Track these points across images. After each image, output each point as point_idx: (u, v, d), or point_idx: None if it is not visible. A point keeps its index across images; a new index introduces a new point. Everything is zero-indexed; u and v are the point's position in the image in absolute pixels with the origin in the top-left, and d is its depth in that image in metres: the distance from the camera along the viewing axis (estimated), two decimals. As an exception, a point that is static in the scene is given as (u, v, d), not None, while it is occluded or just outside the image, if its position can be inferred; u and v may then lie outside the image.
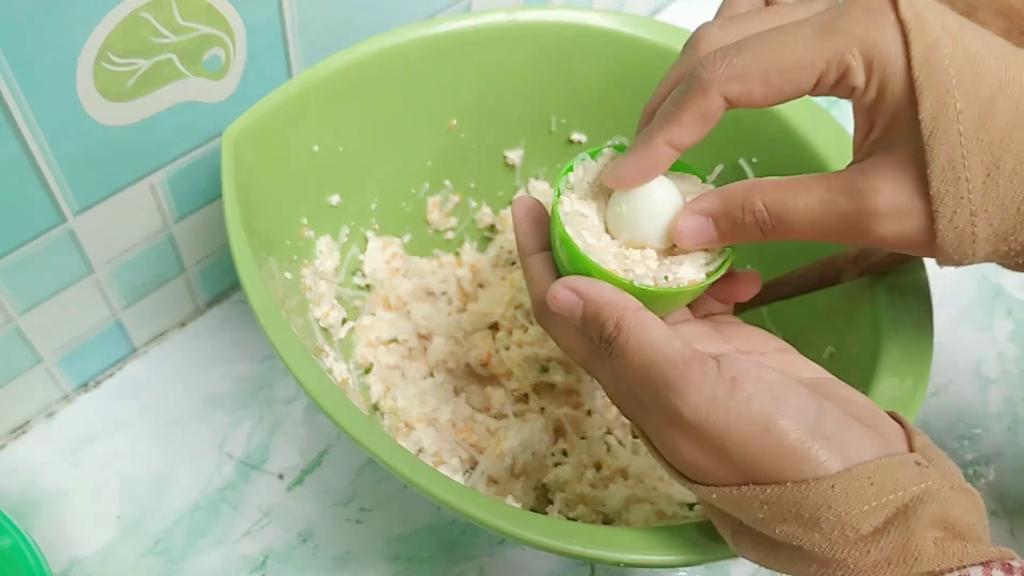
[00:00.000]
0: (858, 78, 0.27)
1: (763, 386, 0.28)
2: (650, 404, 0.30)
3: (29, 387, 0.48)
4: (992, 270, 0.63)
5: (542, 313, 0.35)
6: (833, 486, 0.26)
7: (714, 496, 0.29)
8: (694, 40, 0.31)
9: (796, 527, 0.27)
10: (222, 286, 0.55)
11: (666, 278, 0.32)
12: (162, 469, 0.49)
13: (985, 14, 0.81)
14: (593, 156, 0.35)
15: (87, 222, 0.43)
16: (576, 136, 0.54)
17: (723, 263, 0.33)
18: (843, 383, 0.32)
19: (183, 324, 0.54)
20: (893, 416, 0.30)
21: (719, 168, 0.35)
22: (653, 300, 0.32)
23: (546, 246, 0.35)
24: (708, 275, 0.33)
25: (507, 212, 0.55)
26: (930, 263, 0.41)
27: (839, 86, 0.28)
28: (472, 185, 0.55)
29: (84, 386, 0.51)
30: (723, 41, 0.30)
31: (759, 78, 0.28)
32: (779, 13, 0.30)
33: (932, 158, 0.27)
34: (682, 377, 0.28)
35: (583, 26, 0.49)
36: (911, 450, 0.28)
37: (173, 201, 0.47)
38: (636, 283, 0.32)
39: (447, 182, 0.54)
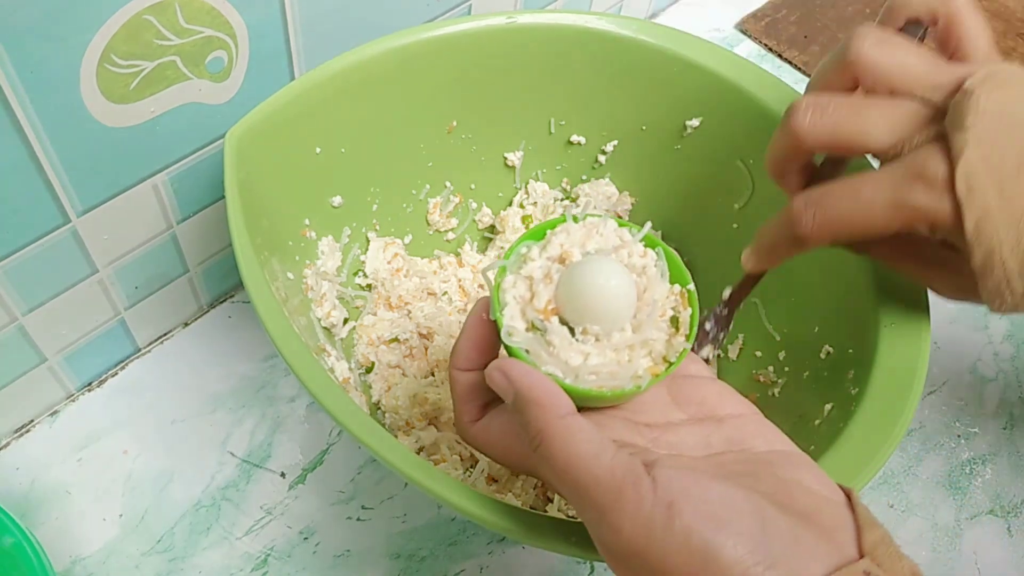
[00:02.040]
0: (923, 233, 0.34)
1: (704, 509, 0.26)
2: (585, 523, 0.28)
3: (33, 386, 0.48)
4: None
5: (465, 433, 0.34)
6: None
7: None
8: (790, 114, 0.36)
9: None
10: (225, 286, 0.56)
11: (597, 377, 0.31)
12: (165, 467, 0.49)
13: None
14: (520, 243, 0.34)
15: (91, 223, 0.43)
16: (575, 138, 0.54)
17: (674, 363, 0.32)
18: (799, 456, 0.31)
19: (186, 324, 0.55)
20: (846, 494, 0.29)
21: (648, 225, 0.34)
22: (585, 398, 0.31)
23: (482, 366, 0.33)
24: (656, 376, 0.31)
25: (507, 213, 0.56)
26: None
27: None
28: (472, 186, 0.55)
29: (88, 385, 0.52)
30: (814, 122, 0.35)
31: (845, 233, 0.35)
32: (867, 105, 0.35)
33: (982, 283, 0.33)
34: (615, 505, 0.26)
35: (582, 29, 0.49)
36: (861, 552, 0.27)
37: (176, 202, 0.47)
38: (573, 384, 0.30)
39: (448, 183, 0.54)
